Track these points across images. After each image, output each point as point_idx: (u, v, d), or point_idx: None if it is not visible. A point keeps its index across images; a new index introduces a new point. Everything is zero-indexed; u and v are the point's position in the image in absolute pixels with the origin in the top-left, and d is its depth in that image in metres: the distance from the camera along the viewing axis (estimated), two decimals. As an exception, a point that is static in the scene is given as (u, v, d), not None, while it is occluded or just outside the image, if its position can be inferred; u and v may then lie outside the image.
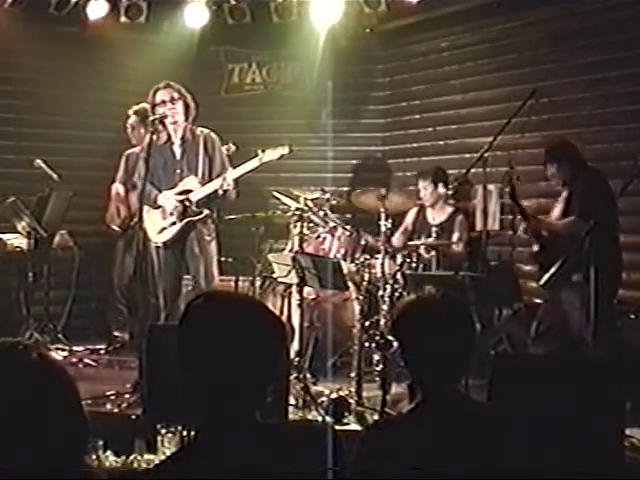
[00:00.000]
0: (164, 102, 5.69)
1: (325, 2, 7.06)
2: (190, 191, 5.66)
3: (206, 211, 5.68)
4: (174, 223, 5.71)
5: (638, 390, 4.27)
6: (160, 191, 5.76)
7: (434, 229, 6.39)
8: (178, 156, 5.76)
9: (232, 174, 5.60)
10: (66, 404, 1.69)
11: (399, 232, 6.71)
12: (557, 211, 5.42)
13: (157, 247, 5.80)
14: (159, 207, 5.77)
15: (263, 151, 5.60)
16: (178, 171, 5.74)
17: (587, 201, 5.05)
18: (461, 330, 2.36)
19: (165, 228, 5.74)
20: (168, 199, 5.71)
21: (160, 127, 5.73)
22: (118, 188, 7.04)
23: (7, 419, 1.63)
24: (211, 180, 5.66)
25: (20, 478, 1.62)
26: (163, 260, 5.79)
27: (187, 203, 5.66)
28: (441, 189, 6.58)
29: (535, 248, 5.40)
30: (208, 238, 5.76)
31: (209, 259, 5.75)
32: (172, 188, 5.72)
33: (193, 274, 5.77)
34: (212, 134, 5.82)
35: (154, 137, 5.65)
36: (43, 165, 6.76)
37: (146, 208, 5.74)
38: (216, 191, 5.61)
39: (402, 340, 2.39)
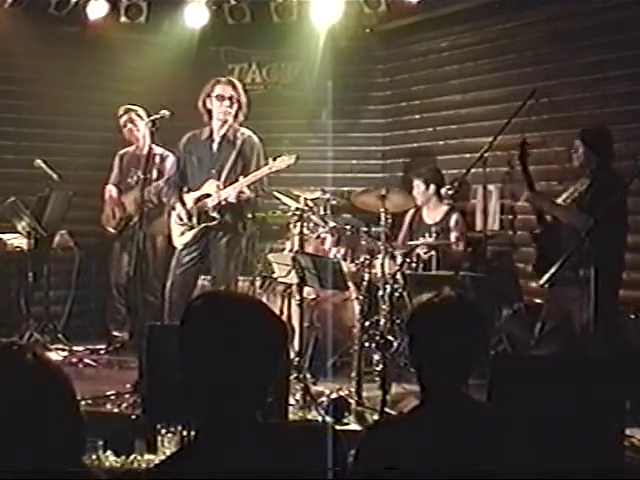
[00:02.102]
0: (222, 97, 5.71)
1: (325, 2, 7.05)
2: (209, 195, 5.72)
3: (218, 217, 5.72)
4: (192, 227, 5.78)
5: (638, 390, 4.27)
6: (187, 191, 5.85)
7: (433, 229, 6.40)
8: (215, 154, 5.81)
9: (244, 181, 5.65)
10: (62, 404, 1.68)
11: (402, 234, 6.73)
12: (566, 195, 5.36)
13: (181, 249, 5.88)
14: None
15: (274, 159, 5.69)
16: (213, 171, 5.79)
17: (600, 198, 4.99)
18: (474, 333, 2.36)
19: (185, 231, 5.82)
20: (184, 205, 5.78)
21: (206, 118, 5.76)
22: (111, 190, 7.06)
23: (3, 420, 1.63)
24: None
25: (17, 478, 1.61)
26: (182, 260, 5.86)
27: (205, 209, 5.73)
28: (432, 190, 6.62)
29: (537, 230, 5.35)
30: (235, 241, 5.81)
31: (232, 261, 5.81)
32: (198, 188, 5.81)
33: (213, 274, 5.83)
34: (254, 137, 5.87)
35: (154, 136, 5.74)
36: (43, 165, 6.76)
37: (173, 211, 5.93)
38: (233, 198, 5.66)
39: (413, 338, 2.39)
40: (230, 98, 5.74)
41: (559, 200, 5.33)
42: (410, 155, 7.75)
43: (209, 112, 5.80)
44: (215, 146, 5.83)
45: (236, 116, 5.81)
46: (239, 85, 5.86)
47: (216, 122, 5.80)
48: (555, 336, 5.19)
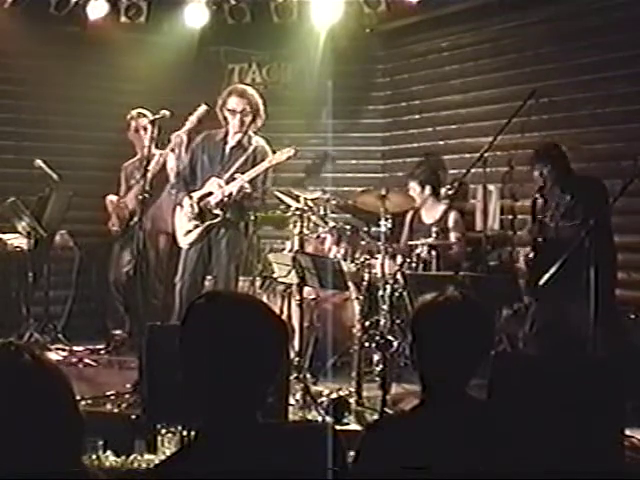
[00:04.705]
0: (234, 112, 5.73)
1: (325, 2, 7.05)
2: (211, 194, 5.75)
3: (220, 214, 5.73)
4: (197, 226, 5.81)
5: (638, 390, 4.27)
6: (193, 190, 5.87)
7: (433, 228, 6.40)
8: (226, 157, 5.83)
9: (244, 176, 5.67)
10: (60, 404, 1.68)
11: (404, 236, 6.73)
12: (552, 213, 5.39)
13: (187, 250, 5.91)
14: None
15: (274, 152, 5.71)
16: (220, 170, 5.80)
17: (588, 204, 5.02)
18: (478, 333, 2.35)
19: (190, 231, 5.87)
20: (191, 204, 5.79)
21: (223, 123, 5.82)
22: (111, 199, 7.04)
23: (0, 420, 1.63)
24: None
25: (16, 479, 1.61)
26: (189, 260, 5.88)
27: (208, 207, 5.75)
28: (427, 191, 6.63)
29: (530, 255, 5.40)
30: (236, 241, 5.82)
31: (233, 262, 5.82)
32: (201, 188, 5.84)
33: (215, 274, 5.85)
34: (266, 148, 5.90)
35: (153, 138, 5.75)
36: (43, 165, 6.76)
37: (178, 209, 5.96)
38: (235, 194, 5.67)
39: (417, 338, 2.38)
40: (242, 111, 5.75)
41: (546, 220, 5.38)
42: (412, 155, 7.76)
43: (225, 119, 5.82)
44: (228, 149, 5.86)
45: (252, 123, 5.82)
46: (252, 93, 5.85)
47: (231, 128, 5.83)
48: (546, 335, 5.20)
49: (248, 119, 5.78)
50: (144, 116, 6.73)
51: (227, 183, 5.73)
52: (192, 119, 6.11)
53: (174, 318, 5.84)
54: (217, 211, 5.76)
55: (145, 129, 6.70)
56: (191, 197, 5.84)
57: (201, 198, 5.82)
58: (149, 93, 7.12)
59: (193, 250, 5.90)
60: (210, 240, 5.87)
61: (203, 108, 6.02)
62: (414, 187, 6.67)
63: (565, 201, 5.32)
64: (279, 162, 5.74)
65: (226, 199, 5.72)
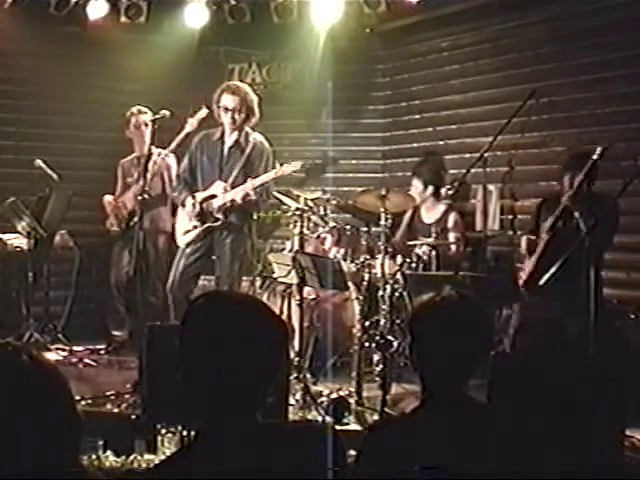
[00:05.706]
0: (227, 109, 5.72)
1: (325, 2, 7.05)
2: (215, 196, 5.75)
3: (222, 218, 5.74)
4: (196, 227, 5.84)
5: (638, 390, 4.26)
6: (195, 190, 5.88)
7: (432, 228, 6.39)
8: (225, 157, 5.83)
9: (249, 184, 5.68)
10: (58, 404, 1.68)
11: (400, 233, 6.72)
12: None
13: (185, 247, 5.92)
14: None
15: (281, 164, 5.74)
16: (221, 172, 5.80)
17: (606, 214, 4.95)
18: (477, 333, 2.34)
19: (189, 230, 5.89)
20: (193, 203, 5.79)
21: (219, 120, 5.82)
22: (108, 199, 7.03)
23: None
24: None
25: (13, 479, 1.61)
26: (183, 258, 5.91)
27: (210, 209, 5.76)
28: (430, 191, 6.64)
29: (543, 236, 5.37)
30: (240, 241, 5.82)
31: (236, 262, 5.83)
32: (206, 189, 5.84)
33: (217, 274, 5.85)
34: (265, 144, 5.90)
35: (154, 137, 5.75)
36: (43, 165, 6.76)
37: (180, 208, 6.00)
38: (238, 201, 5.68)
39: (415, 338, 2.38)
40: (233, 109, 5.74)
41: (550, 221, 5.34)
42: (412, 155, 7.76)
43: (220, 116, 5.83)
44: (226, 149, 5.86)
45: (246, 121, 5.81)
46: (245, 90, 5.83)
47: (227, 127, 5.83)
48: (533, 334, 5.19)
49: (241, 117, 5.77)
50: (144, 113, 6.73)
51: (232, 188, 5.75)
52: (192, 122, 6.10)
53: (172, 316, 5.86)
54: (219, 215, 5.77)
55: (146, 124, 6.70)
56: (194, 197, 5.85)
57: (204, 199, 5.83)
58: (149, 93, 7.12)
59: (190, 249, 5.90)
60: (213, 240, 5.88)
61: (204, 112, 6.00)
62: (417, 185, 6.66)
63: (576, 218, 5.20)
64: (284, 174, 5.75)
65: (229, 204, 5.73)
